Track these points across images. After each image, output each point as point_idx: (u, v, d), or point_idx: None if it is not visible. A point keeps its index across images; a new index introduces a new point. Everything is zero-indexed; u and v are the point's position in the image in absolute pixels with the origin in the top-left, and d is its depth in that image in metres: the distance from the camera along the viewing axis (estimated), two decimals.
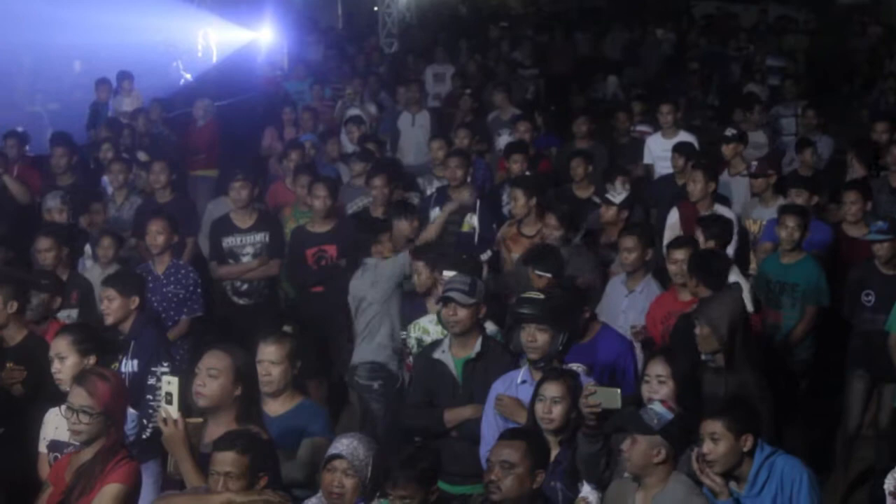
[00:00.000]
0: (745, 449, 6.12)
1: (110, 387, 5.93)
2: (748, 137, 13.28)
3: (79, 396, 5.87)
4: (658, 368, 6.65)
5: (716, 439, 6.06)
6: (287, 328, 8.57)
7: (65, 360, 6.69)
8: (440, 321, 8.12)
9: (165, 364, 7.71)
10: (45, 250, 9.51)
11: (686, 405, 6.27)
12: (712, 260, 8.51)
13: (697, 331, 7.14)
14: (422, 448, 6.54)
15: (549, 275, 8.51)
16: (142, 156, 13.92)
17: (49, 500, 5.98)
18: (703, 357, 7.15)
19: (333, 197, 10.82)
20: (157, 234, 9.81)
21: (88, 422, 5.84)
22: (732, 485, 6.18)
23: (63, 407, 6.03)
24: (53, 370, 6.70)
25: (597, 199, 11.15)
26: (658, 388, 6.58)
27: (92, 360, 6.78)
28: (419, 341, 8.45)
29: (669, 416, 5.97)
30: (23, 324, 7.88)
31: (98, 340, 7.00)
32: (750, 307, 9.02)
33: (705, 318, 7.13)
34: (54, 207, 10.83)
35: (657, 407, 6.03)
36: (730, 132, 12.58)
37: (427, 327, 8.49)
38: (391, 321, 9.30)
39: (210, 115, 16.07)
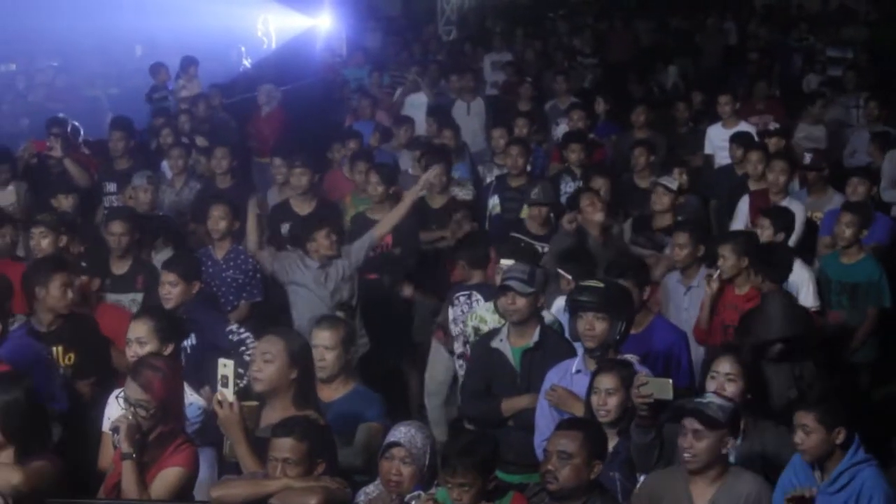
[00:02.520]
0: (838, 441, 6.10)
1: (162, 377, 5.94)
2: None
3: (134, 391, 5.90)
4: (727, 366, 6.62)
5: (808, 431, 6.05)
6: (340, 313, 8.59)
7: (144, 346, 6.70)
8: (497, 310, 8.13)
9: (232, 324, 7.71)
10: (119, 234, 9.53)
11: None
12: (775, 252, 8.45)
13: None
14: (481, 436, 6.54)
15: (569, 276, 8.45)
16: (201, 141, 13.98)
17: (108, 480, 6.03)
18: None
19: (388, 184, 10.83)
20: (219, 219, 9.86)
21: (145, 416, 5.87)
22: (816, 475, 6.17)
23: (121, 399, 6.05)
24: (131, 354, 6.70)
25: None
26: (727, 385, 6.55)
27: (170, 348, 6.81)
28: (476, 330, 8.43)
29: (731, 406, 5.95)
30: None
31: (178, 328, 7.03)
32: (812, 301, 8.97)
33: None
34: (140, 186, 10.87)
35: (717, 399, 6.01)
36: (772, 126, 12.50)
37: (484, 316, 8.47)
38: None
39: (275, 101, 16.10)
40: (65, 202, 10.67)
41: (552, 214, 10.27)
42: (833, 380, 7.54)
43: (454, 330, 9.09)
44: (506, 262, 8.24)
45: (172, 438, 5.94)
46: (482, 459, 5.82)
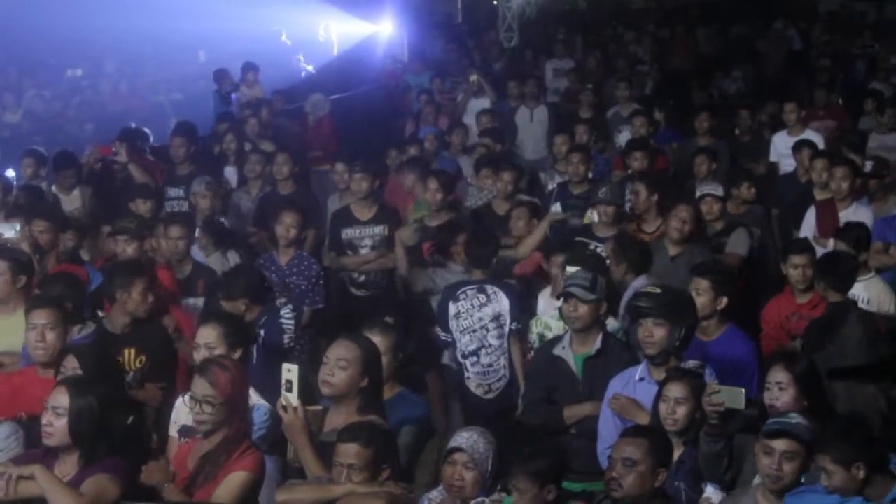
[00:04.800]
0: (860, 478, 5.72)
1: (231, 377, 5.98)
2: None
3: (201, 387, 5.94)
4: (779, 375, 6.55)
5: (829, 473, 5.72)
6: (389, 319, 8.60)
7: (213, 351, 6.73)
8: (562, 316, 8.13)
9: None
10: (177, 238, 9.60)
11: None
12: (840, 262, 8.36)
13: None
14: (543, 447, 6.54)
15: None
16: (266, 146, 14.05)
17: (175, 485, 6.05)
18: None
19: (446, 190, 10.82)
20: (290, 226, 9.91)
21: (211, 412, 5.90)
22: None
23: (187, 396, 6.11)
24: (198, 359, 6.73)
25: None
26: (779, 394, 6.49)
27: (238, 353, 6.85)
28: (541, 336, 8.44)
29: (810, 427, 5.89)
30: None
31: (245, 334, 7.07)
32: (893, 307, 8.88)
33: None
34: (199, 192, 10.95)
35: (802, 419, 5.93)
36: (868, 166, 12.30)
37: (549, 322, 8.48)
38: None
39: (323, 111, 16.12)
40: (143, 207, 10.73)
41: (619, 215, 10.22)
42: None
43: (458, 325, 9.11)
44: (570, 269, 8.21)
45: (238, 443, 5.95)
46: (538, 469, 5.86)
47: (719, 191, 10.39)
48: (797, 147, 12.44)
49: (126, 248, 9.29)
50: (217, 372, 5.97)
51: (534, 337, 8.57)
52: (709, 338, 7.71)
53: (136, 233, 9.39)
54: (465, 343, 9.08)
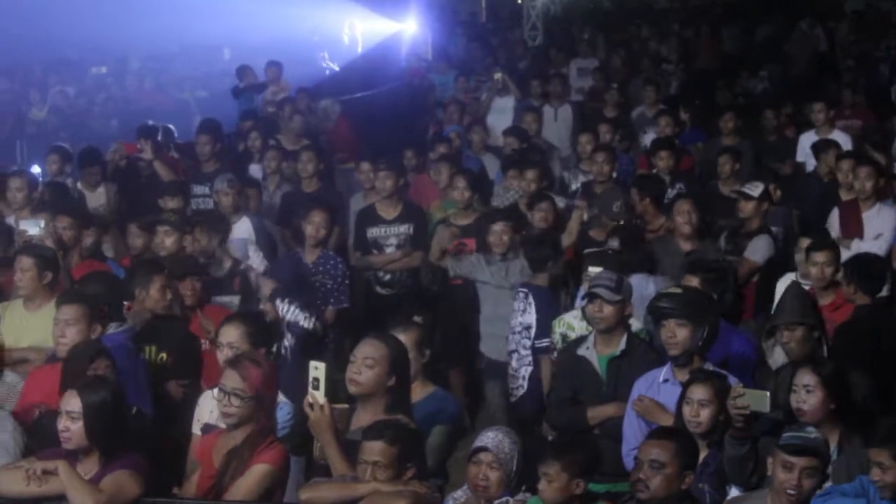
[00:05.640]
0: None
1: (262, 372, 6.01)
2: None
3: (232, 380, 5.96)
4: (806, 377, 6.50)
5: (884, 468, 5.79)
6: (417, 318, 8.61)
7: (236, 350, 6.72)
8: (585, 317, 8.12)
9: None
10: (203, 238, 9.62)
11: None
12: (871, 264, 8.32)
13: None
14: (579, 439, 6.55)
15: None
16: (289, 144, 14.07)
17: (200, 481, 6.08)
18: None
19: (474, 189, 10.81)
20: (319, 226, 9.89)
21: (239, 405, 5.92)
22: None
23: (216, 389, 6.11)
24: (222, 358, 6.74)
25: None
26: (806, 397, 6.44)
27: (262, 352, 6.84)
28: (564, 337, 8.42)
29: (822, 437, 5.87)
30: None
31: (268, 332, 7.08)
32: None
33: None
34: (221, 189, 10.96)
35: (813, 431, 5.89)
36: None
37: (572, 323, 8.46)
38: None
39: (334, 115, 16.10)
40: (171, 203, 10.76)
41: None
42: None
43: (512, 322, 9.14)
44: (594, 270, 8.20)
45: (263, 438, 5.97)
46: (570, 460, 5.87)
47: (755, 191, 10.29)
48: (818, 147, 12.40)
49: (165, 240, 9.34)
50: (249, 366, 6.00)
51: (556, 337, 8.56)
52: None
53: (177, 225, 9.43)
54: (509, 340, 9.14)
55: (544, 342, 8.88)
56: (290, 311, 8.51)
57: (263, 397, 5.99)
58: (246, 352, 6.37)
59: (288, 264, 10.00)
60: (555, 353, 8.57)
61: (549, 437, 7.90)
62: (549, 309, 9.04)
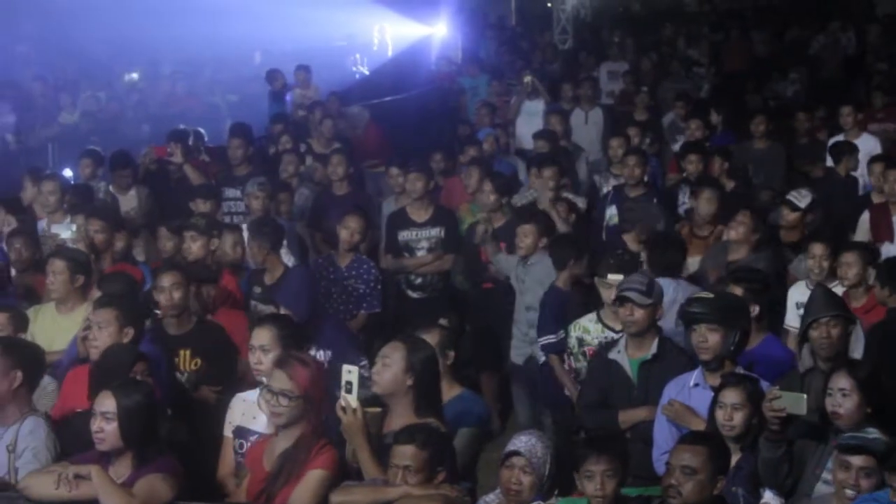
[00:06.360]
0: None
1: (310, 372, 6.00)
2: None
3: (279, 380, 5.95)
4: (842, 381, 6.44)
5: None
6: (443, 321, 8.61)
7: (268, 353, 6.68)
8: (600, 320, 8.14)
9: (363, 360, 7.70)
10: (231, 245, 9.64)
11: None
12: None
13: None
14: (616, 433, 6.60)
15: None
16: (318, 147, 14.09)
17: (250, 486, 6.08)
18: None
19: (503, 193, 10.80)
20: (354, 231, 9.92)
21: (288, 405, 5.91)
22: None
23: (264, 389, 6.11)
24: (254, 361, 6.73)
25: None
26: (842, 400, 6.39)
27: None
28: (580, 341, 8.41)
29: (890, 441, 5.81)
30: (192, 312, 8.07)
31: (300, 334, 7.08)
32: None
33: None
34: (252, 193, 10.99)
35: (878, 433, 5.86)
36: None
37: (587, 326, 8.43)
38: None
39: (363, 121, 16.12)
40: (203, 206, 10.79)
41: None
42: None
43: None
44: (614, 277, 8.16)
45: (316, 439, 5.96)
46: (619, 452, 5.93)
47: (803, 201, 10.14)
48: (836, 149, 12.35)
49: (192, 245, 9.35)
50: (297, 366, 5.99)
51: (573, 342, 8.54)
52: (748, 346, 7.62)
53: (204, 229, 9.44)
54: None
55: (548, 339, 8.97)
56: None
57: (312, 397, 5.98)
58: (293, 352, 6.35)
59: (322, 268, 10.02)
60: (571, 358, 8.57)
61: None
62: (556, 309, 9.06)
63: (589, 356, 8.27)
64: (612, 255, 8.58)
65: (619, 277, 8.01)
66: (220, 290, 8.78)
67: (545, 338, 9.00)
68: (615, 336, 8.06)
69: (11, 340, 7.06)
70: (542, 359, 9.14)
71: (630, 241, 10.11)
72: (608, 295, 8.13)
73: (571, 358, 8.58)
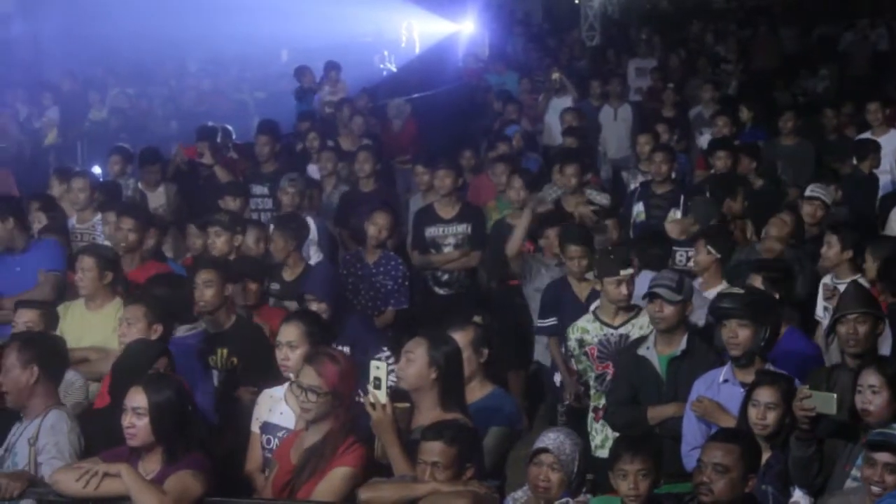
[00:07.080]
0: None
1: (339, 368, 5.97)
2: None
3: (308, 376, 5.94)
4: (871, 378, 6.40)
5: None
6: (477, 318, 8.58)
7: (296, 349, 6.65)
8: (597, 318, 8.14)
9: (385, 349, 7.72)
10: (254, 242, 9.60)
11: None
12: None
13: None
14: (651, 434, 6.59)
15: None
16: (346, 145, 14.10)
17: (276, 479, 6.07)
18: None
19: (530, 189, 10.79)
20: (383, 227, 9.91)
21: (316, 401, 5.90)
22: None
23: (293, 385, 6.09)
24: (281, 357, 6.71)
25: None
26: (872, 398, 6.34)
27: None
28: (581, 342, 8.32)
29: None
30: (233, 309, 8.06)
31: (327, 330, 7.08)
32: None
33: None
34: (283, 188, 11.03)
35: None
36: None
37: (586, 327, 8.32)
38: None
39: (405, 114, 16.15)
40: (232, 204, 10.79)
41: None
42: None
43: None
44: (626, 273, 8.11)
45: (343, 437, 5.94)
46: (654, 452, 5.92)
47: (829, 198, 10.16)
48: (858, 147, 12.33)
49: (216, 241, 9.35)
50: (326, 362, 5.98)
51: (572, 343, 8.42)
52: None
53: (228, 225, 9.44)
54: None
55: (547, 321, 9.14)
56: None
57: (341, 394, 5.95)
58: (323, 348, 6.34)
59: (349, 264, 10.02)
60: (573, 360, 8.53)
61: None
62: (557, 299, 9.12)
63: (591, 356, 8.24)
64: (613, 251, 8.55)
65: (631, 271, 8.08)
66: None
67: (543, 320, 9.19)
68: (614, 332, 8.10)
69: (29, 335, 7.04)
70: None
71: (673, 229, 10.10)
72: (617, 292, 8.08)
73: (573, 360, 8.53)
